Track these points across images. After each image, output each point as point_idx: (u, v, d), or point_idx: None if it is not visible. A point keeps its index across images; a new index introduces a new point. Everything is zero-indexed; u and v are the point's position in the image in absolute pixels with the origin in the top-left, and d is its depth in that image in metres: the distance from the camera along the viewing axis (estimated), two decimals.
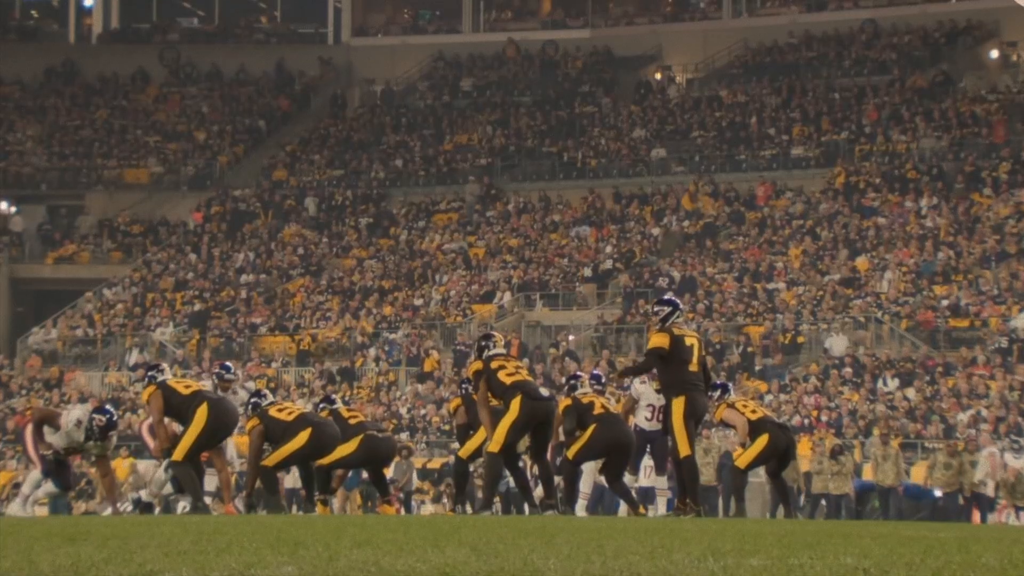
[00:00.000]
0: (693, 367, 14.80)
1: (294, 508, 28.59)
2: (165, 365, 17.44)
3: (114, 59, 52.67)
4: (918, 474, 26.70)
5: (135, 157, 49.38)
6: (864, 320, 35.13)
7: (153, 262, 44.60)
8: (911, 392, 31.65)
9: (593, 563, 6.36)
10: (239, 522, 11.34)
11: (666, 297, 16.05)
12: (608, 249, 40.97)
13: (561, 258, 41.13)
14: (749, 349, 34.83)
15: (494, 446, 14.75)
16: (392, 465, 29.75)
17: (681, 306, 15.39)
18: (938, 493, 25.29)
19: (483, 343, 15.54)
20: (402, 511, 28.07)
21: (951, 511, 24.82)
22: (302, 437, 16.24)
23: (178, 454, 15.87)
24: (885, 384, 32.15)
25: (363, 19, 54.81)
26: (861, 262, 37.58)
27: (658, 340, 14.85)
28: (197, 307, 41.86)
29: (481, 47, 52.10)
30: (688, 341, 14.87)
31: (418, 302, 40.22)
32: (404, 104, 50.90)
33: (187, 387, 16.34)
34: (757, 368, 34.42)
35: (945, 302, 34.92)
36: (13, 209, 48.31)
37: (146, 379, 16.77)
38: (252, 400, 16.93)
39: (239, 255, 44.30)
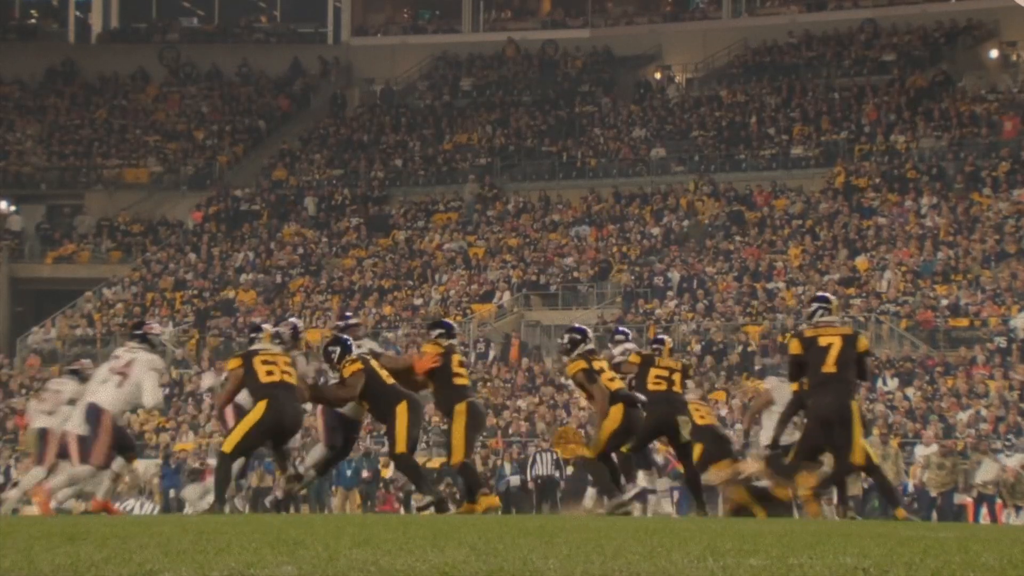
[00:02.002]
0: (828, 368, 13.65)
1: (292, 508, 28.59)
2: (266, 326, 15.48)
3: (114, 59, 52.67)
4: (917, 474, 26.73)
5: (135, 157, 49.39)
6: (864, 320, 35.14)
7: (153, 262, 44.59)
8: (911, 392, 31.66)
9: (593, 563, 6.36)
10: (238, 522, 11.35)
11: (819, 294, 15.13)
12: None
13: (561, 258, 41.14)
14: (749, 349, 34.84)
15: (595, 450, 14.79)
16: (391, 465, 29.80)
17: (830, 301, 14.27)
18: (933, 494, 25.33)
19: (576, 336, 15.08)
20: (401, 510, 28.07)
21: (948, 512, 24.89)
22: (402, 411, 14.45)
23: (227, 446, 14.40)
24: (885, 384, 32.17)
25: (363, 19, 54.81)
26: (861, 262, 37.60)
27: (791, 347, 14.19)
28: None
29: (481, 47, 52.10)
30: (824, 341, 13.73)
31: (418, 302, 40.23)
32: (404, 104, 50.90)
33: (269, 373, 14.36)
34: (756, 368, 34.42)
35: (945, 302, 34.93)
36: (13, 208, 48.32)
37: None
38: (350, 344, 14.84)
39: (239, 255, 44.31)
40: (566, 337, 15.24)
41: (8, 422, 36.93)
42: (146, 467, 32.03)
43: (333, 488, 30.12)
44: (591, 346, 15.06)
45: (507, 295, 39.98)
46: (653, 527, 10.39)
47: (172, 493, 30.22)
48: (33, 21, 56.56)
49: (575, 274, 40.30)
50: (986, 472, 25.23)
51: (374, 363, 14.54)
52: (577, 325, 16.08)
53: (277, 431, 14.39)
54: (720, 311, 36.96)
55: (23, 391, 38.55)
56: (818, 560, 6.57)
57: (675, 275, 38.93)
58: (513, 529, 9.43)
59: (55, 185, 49.04)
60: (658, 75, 49.88)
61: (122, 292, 43.26)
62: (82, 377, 18.49)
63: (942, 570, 6.15)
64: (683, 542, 7.93)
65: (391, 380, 14.49)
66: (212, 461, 32.45)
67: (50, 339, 41.66)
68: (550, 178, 45.66)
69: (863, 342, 13.97)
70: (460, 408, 14.66)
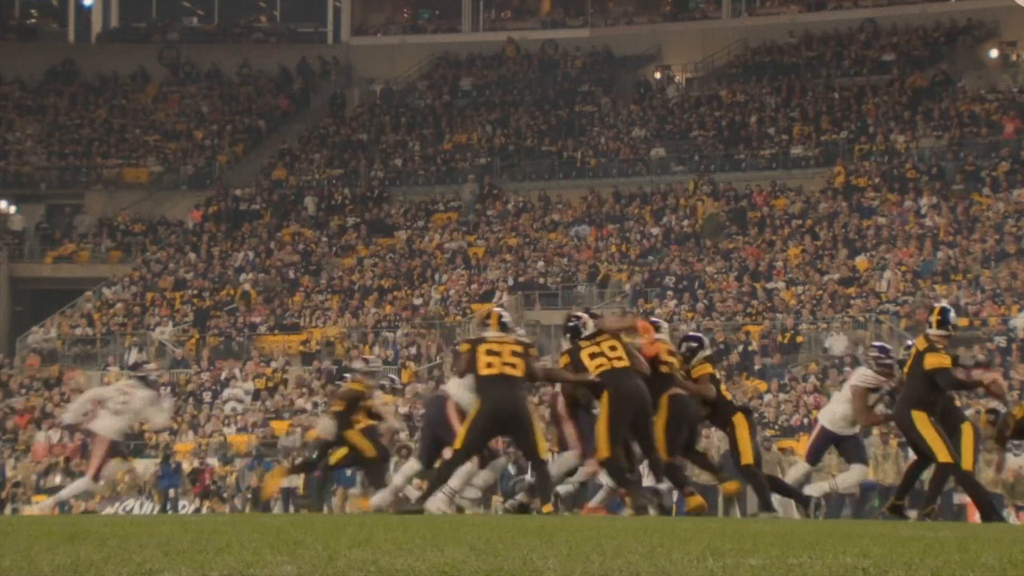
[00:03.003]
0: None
1: (291, 508, 28.59)
2: (496, 309, 14.80)
3: (114, 58, 52.66)
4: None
5: (134, 156, 49.38)
6: (863, 319, 35.14)
7: (152, 261, 44.59)
8: None
9: (592, 562, 6.35)
10: (238, 522, 11.35)
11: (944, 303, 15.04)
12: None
13: (561, 258, 41.14)
14: (749, 348, 34.84)
15: (744, 459, 14.60)
16: (391, 464, 29.80)
17: (930, 319, 14.34)
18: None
19: (693, 344, 14.77)
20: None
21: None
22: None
23: (456, 443, 13.79)
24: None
25: (362, 18, 54.80)
26: (860, 261, 37.60)
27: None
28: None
29: (481, 46, 52.09)
30: (915, 349, 14.17)
31: (417, 302, 40.23)
32: (404, 103, 50.89)
33: (488, 365, 13.71)
34: (756, 367, 34.42)
35: (945, 302, 34.91)
36: (13, 208, 48.31)
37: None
38: (572, 324, 14.32)
39: (239, 254, 44.30)
40: (683, 346, 14.85)
41: (8, 422, 36.93)
42: (145, 467, 32.03)
43: (334, 487, 30.08)
44: (708, 353, 14.80)
45: (507, 295, 39.96)
46: (653, 527, 10.39)
47: (172, 493, 30.22)
48: (33, 21, 56.56)
49: (573, 274, 40.29)
50: (985, 472, 25.20)
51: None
52: (692, 333, 15.75)
53: (498, 425, 13.77)
54: (720, 311, 36.95)
55: (23, 391, 38.57)
56: (818, 560, 6.57)
57: (675, 273, 38.95)
58: (513, 529, 9.42)
59: (55, 185, 49.03)
60: (658, 75, 49.87)
61: (122, 292, 43.26)
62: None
63: (942, 570, 6.15)
64: (683, 542, 7.93)
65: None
66: (212, 461, 32.53)
67: (50, 339, 41.66)
68: (550, 178, 45.66)
69: (930, 359, 13.88)
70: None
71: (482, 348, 13.71)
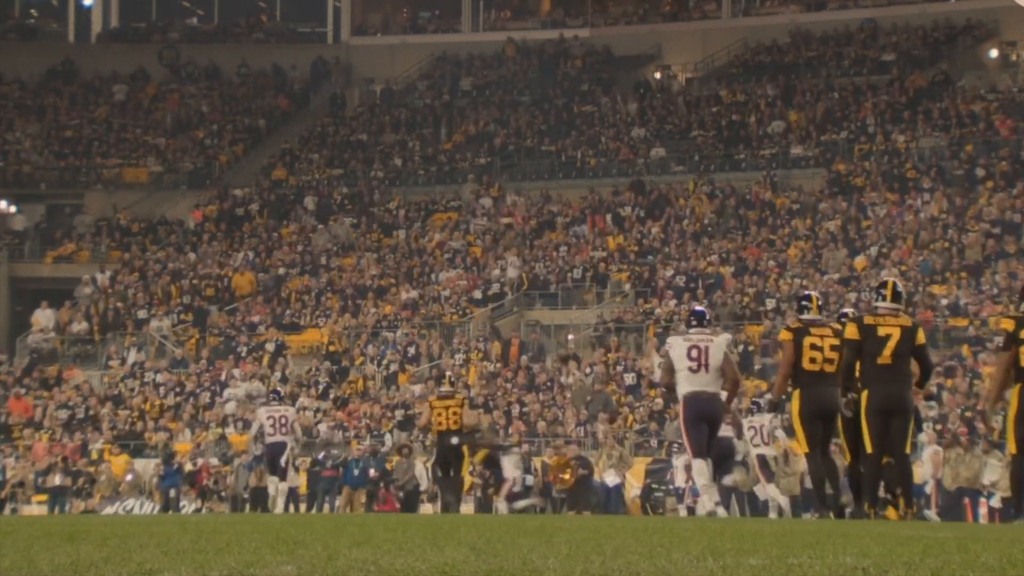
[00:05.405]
0: (884, 359, 12.79)
1: (292, 508, 28.61)
2: (814, 293, 13.95)
3: (114, 58, 52.66)
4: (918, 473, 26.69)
5: (134, 156, 49.37)
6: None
7: (152, 261, 44.55)
8: None
9: (592, 563, 6.35)
10: (238, 521, 11.36)
11: (884, 278, 13.92)
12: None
13: (561, 258, 41.11)
14: (749, 349, 34.82)
15: (1013, 447, 12.65)
16: (392, 463, 29.85)
17: (884, 292, 13.10)
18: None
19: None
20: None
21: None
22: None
23: (800, 447, 13.53)
24: None
25: (362, 18, 54.80)
26: (860, 261, 37.59)
27: (847, 332, 13.06)
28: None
29: (480, 46, 52.09)
30: (884, 331, 12.82)
31: (417, 301, 40.20)
32: (403, 103, 50.88)
33: (812, 360, 13.21)
34: (756, 367, 34.40)
35: (944, 301, 34.92)
36: (13, 208, 48.29)
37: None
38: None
39: (238, 254, 44.27)
40: None
41: (7, 421, 36.93)
42: (145, 467, 32.03)
43: (340, 487, 30.08)
44: None
45: (507, 295, 39.97)
46: (653, 527, 10.40)
47: (172, 493, 30.22)
48: (33, 21, 56.56)
49: (573, 273, 40.26)
50: (992, 472, 25.13)
51: None
52: None
53: (816, 419, 13.30)
54: (719, 311, 36.91)
55: (23, 390, 38.55)
56: (818, 560, 6.57)
57: (672, 273, 38.92)
58: (513, 529, 9.43)
59: (55, 185, 48.99)
60: (658, 74, 49.87)
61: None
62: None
63: (942, 570, 6.15)
64: (683, 542, 7.93)
65: None
66: (214, 461, 32.49)
67: (49, 338, 41.62)
68: (550, 177, 45.65)
69: (921, 335, 13.11)
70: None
71: (807, 341, 13.28)
